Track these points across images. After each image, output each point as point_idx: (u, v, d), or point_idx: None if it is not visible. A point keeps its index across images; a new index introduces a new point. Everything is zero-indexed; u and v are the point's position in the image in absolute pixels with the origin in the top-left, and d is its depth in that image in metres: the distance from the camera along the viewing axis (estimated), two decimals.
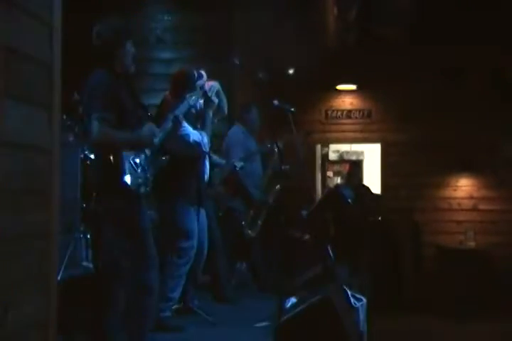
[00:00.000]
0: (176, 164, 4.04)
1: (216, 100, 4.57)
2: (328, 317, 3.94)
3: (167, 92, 4.68)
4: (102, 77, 3.41)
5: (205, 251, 4.77)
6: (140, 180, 3.40)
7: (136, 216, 3.44)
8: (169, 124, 3.93)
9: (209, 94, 4.52)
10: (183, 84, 4.49)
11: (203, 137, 4.40)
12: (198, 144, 4.36)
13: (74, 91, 4.99)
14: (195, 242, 4.49)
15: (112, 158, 3.32)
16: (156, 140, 3.61)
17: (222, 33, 6.61)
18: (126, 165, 3.34)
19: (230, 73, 6.29)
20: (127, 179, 3.32)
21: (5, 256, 1.88)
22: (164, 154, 3.77)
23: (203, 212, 4.66)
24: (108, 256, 3.57)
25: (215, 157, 5.42)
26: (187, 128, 4.33)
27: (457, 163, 9.02)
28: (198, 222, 4.56)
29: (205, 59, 6.34)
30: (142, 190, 3.42)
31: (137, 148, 3.46)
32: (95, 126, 3.24)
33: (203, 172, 4.66)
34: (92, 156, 4.87)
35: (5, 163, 1.88)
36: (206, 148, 4.47)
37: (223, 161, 5.70)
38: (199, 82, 4.52)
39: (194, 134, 4.35)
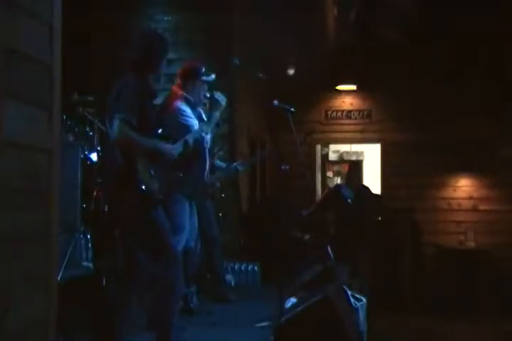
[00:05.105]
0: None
1: (224, 101, 4.62)
2: (328, 317, 3.94)
3: (176, 85, 4.70)
4: (132, 82, 3.48)
5: (197, 249, 4.82)
6: (155, 184, 3.43)
7: (153, 218, 3.45)
8: (180, 148, 3.95)
9: (215, 96, 4.59)
10: (191, 77, 4.58)
11: (206, 133, 4.48)
12: (200, 138, 4.40)
13: (74, 91, 5.01)
14: (183, 238, 4.48)
15: (129, 160, 3.33)
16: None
17: (222, 33, 6.60)
18: (142, 170, 3.37)
19: (230, 73, 6.29)
20: (143, 182, 3.34)
21: (5, 256, 1.87)
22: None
23: (194, 209, 4.68)
24: (127, 258, 3.60)
25: (217, 161, 5.43)
26: (192, 120, 4.41)
27: (457, 163, 9.03)
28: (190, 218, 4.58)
29: (205, 59, 6.34)
30: (157, 194, 3.44)
31: (156, 158, 3.49)
32: (117, 126, 3.27)
33: (203, 170, 4.67)
34: (95, 157, 4.90)
35: (5, 163, 1.88)
36: (208, 143, 4.54)
37: (224, 165, 5.69)
38: (208, 78, 4.61)
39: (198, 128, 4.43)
